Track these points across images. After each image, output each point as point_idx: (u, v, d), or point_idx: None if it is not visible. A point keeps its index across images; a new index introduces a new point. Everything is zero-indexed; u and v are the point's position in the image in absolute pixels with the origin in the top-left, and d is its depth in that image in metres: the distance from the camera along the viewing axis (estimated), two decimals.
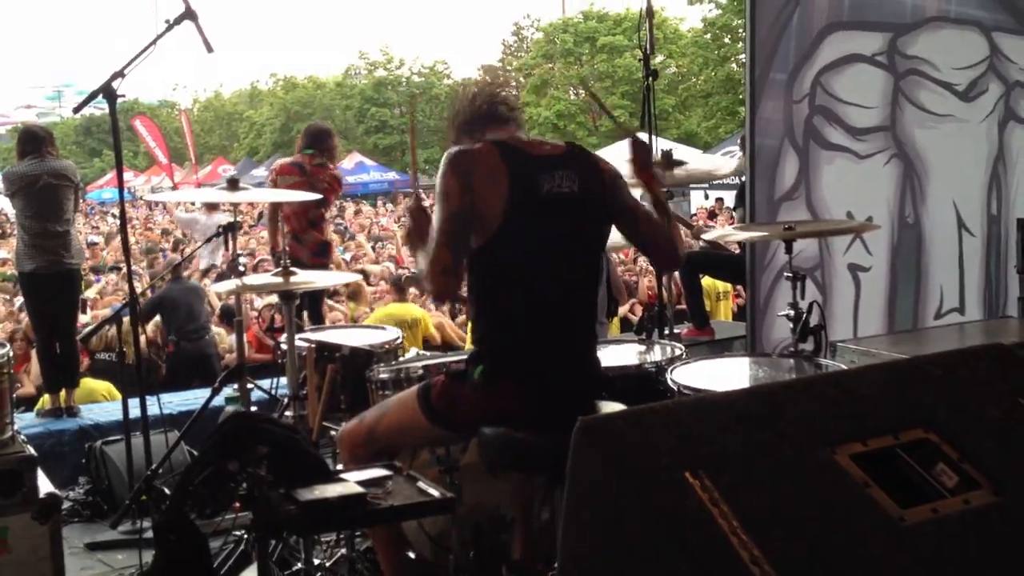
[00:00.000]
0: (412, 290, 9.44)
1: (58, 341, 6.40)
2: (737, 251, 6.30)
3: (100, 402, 6.97)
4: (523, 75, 41.29)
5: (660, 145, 5.80)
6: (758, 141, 5.51)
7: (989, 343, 2.41)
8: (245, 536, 3.90)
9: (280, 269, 4.27)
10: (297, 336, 4.31)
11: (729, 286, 9.86)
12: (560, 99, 38.61)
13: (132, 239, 17.05)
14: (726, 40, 34.36)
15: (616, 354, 4.20)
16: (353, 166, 35.38)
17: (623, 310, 9.47)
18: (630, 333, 6.53)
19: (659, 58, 32.15)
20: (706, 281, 8.30)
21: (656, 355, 4.17)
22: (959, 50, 5.17)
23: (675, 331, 6.08)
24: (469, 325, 3.29)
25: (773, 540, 1.73)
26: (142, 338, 4.74)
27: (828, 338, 3.90)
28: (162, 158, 32.83)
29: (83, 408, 6.44)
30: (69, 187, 6.43)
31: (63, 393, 6.35)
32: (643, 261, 12.10)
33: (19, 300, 9.32)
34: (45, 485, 3.07)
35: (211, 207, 12.61)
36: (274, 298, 7.88)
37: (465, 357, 3.32)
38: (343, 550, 3.96)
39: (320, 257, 6.82)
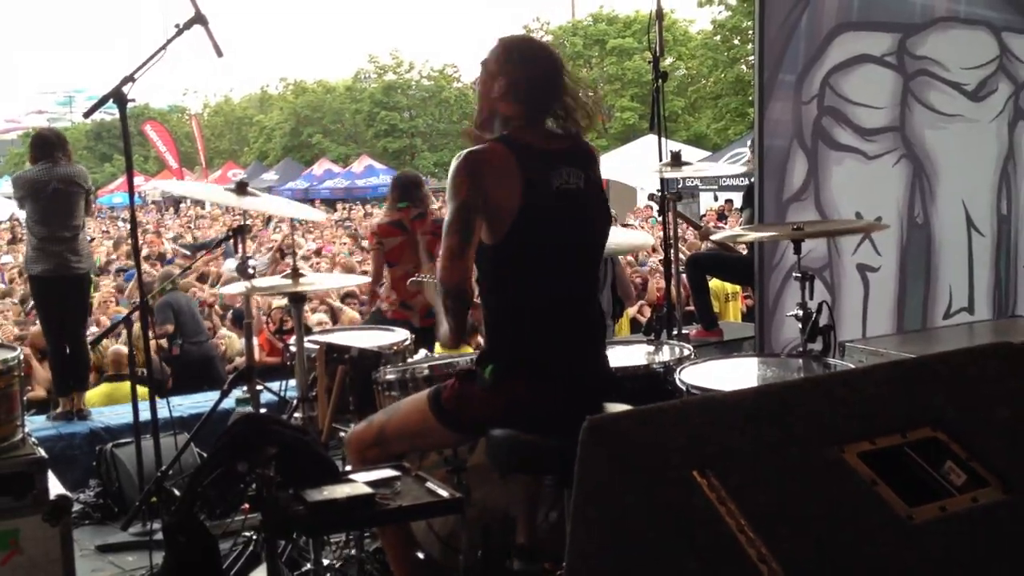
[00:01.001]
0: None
1: (67, 344, 6.41)
2: (745, 252, 6.29)
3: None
4: None
5: (669, 147, 5.81)
6: (767, 142, 5.50)
7: (998, 341, 2.40)
8: (254, 537, 3.91)
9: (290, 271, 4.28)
10: (306, 338, 4.32)
11: (738, 287, 9.86)
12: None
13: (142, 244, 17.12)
14: (735, 42, 34.34)
15: (624, 355, 4.20)
16: (362, 169, 35.49)
17: (632, 311, 9.47)
18: (639, 334, 6.53)
19: (669, 60, 32.17)
20: (715, 282, 8.28)
21: (664, 355, 4.17)
22: (968, 50, 5.17)
23: (684, 332, 6.08)
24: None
25: (780, 538, 1.72)
26: (152, 343, 4.75)
27: (837, 338, 3.89)
28: (172, 163, 32.97)
29: (94, 411, 6.46)
30: (79, 192, 6.44)
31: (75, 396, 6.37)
32: (653, 261, 12.11)
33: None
34: (56, 487, 3.08)
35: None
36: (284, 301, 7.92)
37: (474, 358, 3.32)
38: (352, 551, 3.96)
39: (430, 319, 6.48)
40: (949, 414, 2.09)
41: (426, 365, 3.97)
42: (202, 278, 11.51)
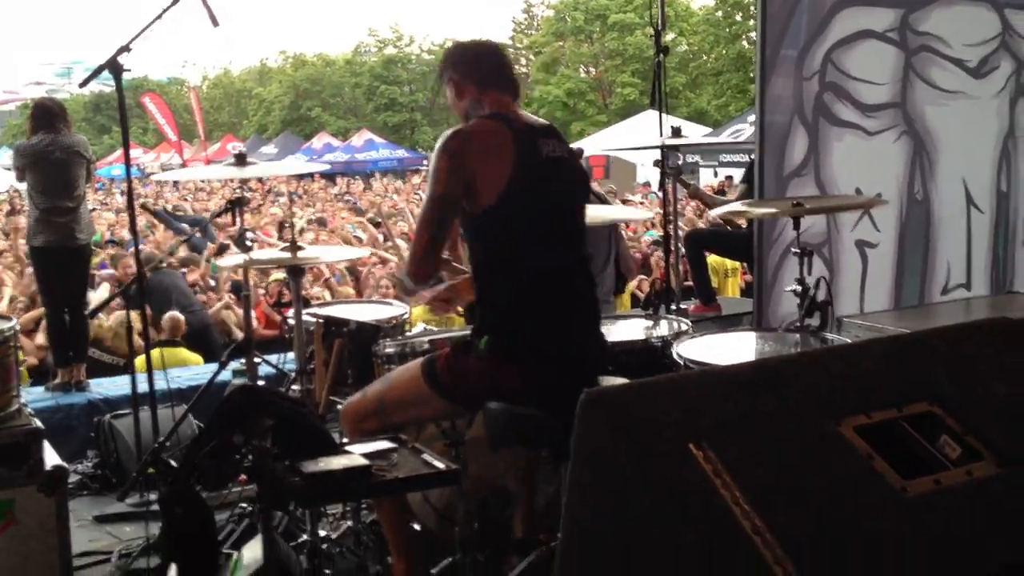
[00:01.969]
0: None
1: (68, 316, 6.41)
2: (745, 227, 6.28)
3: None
4: (533, 53, 41.20)
5: (669, 123, 5.79)
6: (768, 118, 5.48)
7: (994, 316, 2.40)
8: (251, 508, 3.92)
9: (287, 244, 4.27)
10: (304, 311, 4.31)
11: (738, 263, 9.85)
12: (570, 77, 38.50)
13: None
14: (737, 17, 34.24)
15: (622, 329, 4.20)
16: (362, 143, 35.40)
17: (631, 285, 9.46)
18: (638, 309, 6.53)
19: (670, 36, 32.02)
20: (714, 258, 8.29)
21: (662, 330, 4.17)
22: (971, 27, 5.14)
23: (682, 307, 6.08)
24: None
25: (776, 511, 1.73)
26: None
27: (834, 313, 3.89)
28: (171, 135, 32.89)
29: (92, 383, 6.46)
30: (81, 163, 6.41)
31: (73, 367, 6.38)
32: (653, 236, 12.08)
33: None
34: (52, 458, 3.08)
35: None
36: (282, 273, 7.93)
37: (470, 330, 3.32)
38: (349, 522, 3.98)
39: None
40: (945, 389, 2.09)
41: (426, 339, 3.97)
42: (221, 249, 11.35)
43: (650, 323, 4.29)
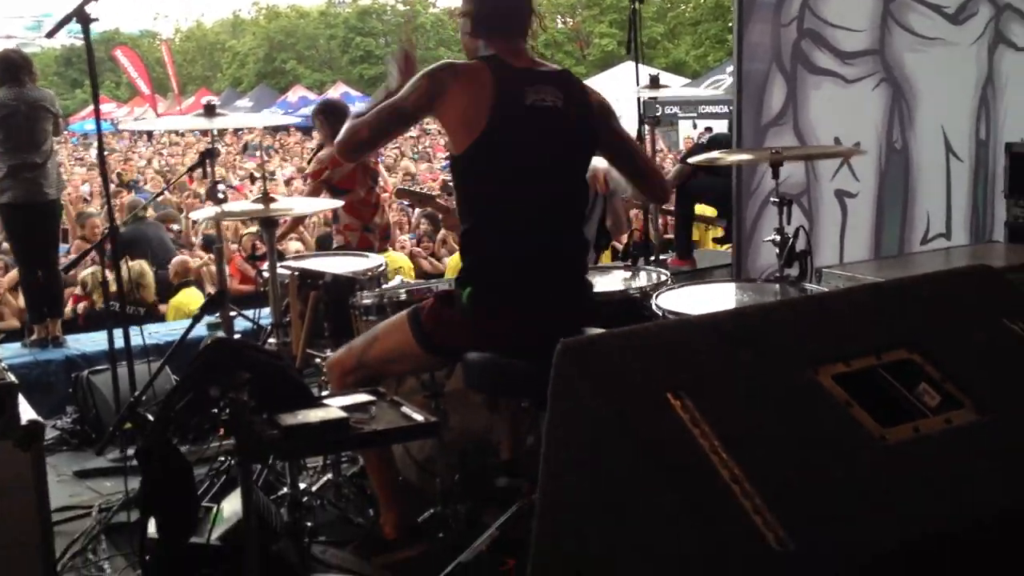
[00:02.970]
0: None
1: (40, 272, 6.34)
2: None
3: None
4: None
5: (648, 73, 5.74)
6: (746, 65, 5.45)
7: (974, 264, 2.40)
8: (230, 462, 3.91)
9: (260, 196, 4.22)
10: (279, 264, 4.27)
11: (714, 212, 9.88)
12: (547, 28, 38.17)
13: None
14: None
15: (601, 280, 4.18)
16: (338, 96, 35.07)
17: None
18: (617, 261, 6.52)
19: None
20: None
21: (641, 281, 4.16)
22: None
23: (661, 259, 6.07)
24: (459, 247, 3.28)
25: (754, 460, 1.73)
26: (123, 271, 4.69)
27: (814, 263, 3.89)
28: (144, 89, 32.45)
29: (70, 339, 6.42)
30: (48, 117, 6.31)
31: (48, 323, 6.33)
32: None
33: None
34: (28, 412, 3.04)
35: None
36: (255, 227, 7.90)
37: (450, 282, 3.31)
38: (329, 475, 3.97)
39: (388, 240, 6.94)
40: (924, 336, 2.09)
41: (403, 289, 3.95)
42: None
43: (629, 274, 4.27)
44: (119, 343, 4.62)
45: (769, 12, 5.33)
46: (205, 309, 4.42)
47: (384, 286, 4.17)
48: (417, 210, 11.10)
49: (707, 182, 6.78)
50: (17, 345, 6.42)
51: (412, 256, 9.48)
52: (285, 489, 3.66)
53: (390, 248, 7.86)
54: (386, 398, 2.77)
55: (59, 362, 6.05)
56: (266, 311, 4.33)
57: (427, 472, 3.69)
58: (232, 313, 4.38)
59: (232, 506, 3.10)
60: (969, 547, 1.76)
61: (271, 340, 4.15)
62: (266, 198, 3.91)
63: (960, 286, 2.31)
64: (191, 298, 7.68)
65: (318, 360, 4.11)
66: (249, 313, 4.73)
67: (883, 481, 1.78)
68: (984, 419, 1.93)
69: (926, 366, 2.02)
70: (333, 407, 2.60)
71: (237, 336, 4.40)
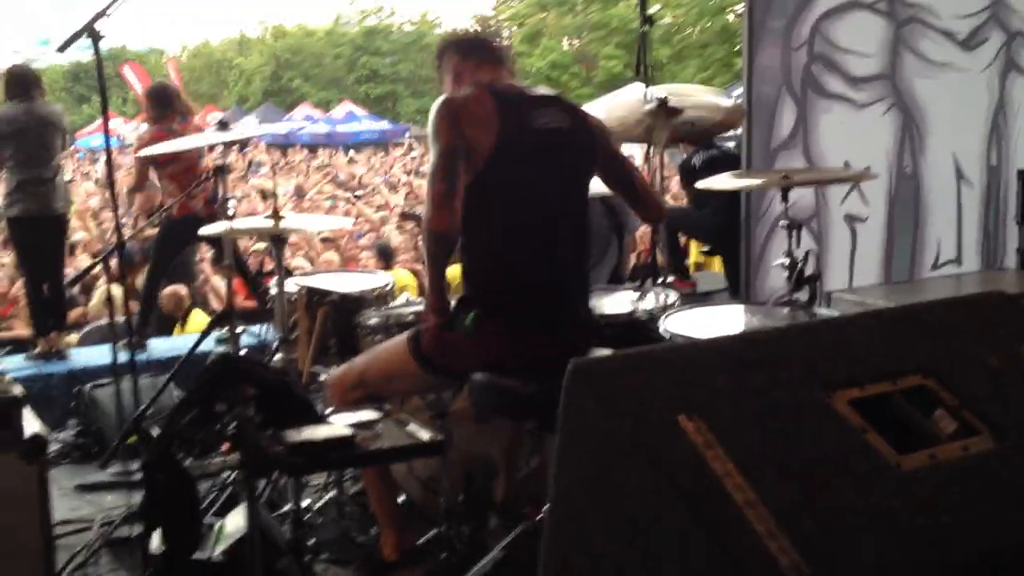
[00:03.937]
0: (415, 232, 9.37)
1: (46, 285, 6.36)
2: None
3: None
4: (516, 24, 40.91)
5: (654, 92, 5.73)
6: (755, 89, 5.45)
7: (989, 290, 2.38)
8: (234, 477, 3.89)
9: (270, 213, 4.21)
10: (287, 280, 4.27)
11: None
12: (553, 49, 38.30)
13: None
14: None
15: (609, 302, 4.17)
16: (344, 115, 35.12)
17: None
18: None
19: (655, 8, 31.86)
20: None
21: (649, 303, 4.14)
22: None
23: (668, 281, 6.05)
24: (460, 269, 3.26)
25: (768, 484, 1.70)
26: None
27: (823, 288, 3.87)
28: None
29: (73, 352, 6.41)
30: (57, 132, 6.38)
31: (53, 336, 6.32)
32: None
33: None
34: (32, 425, 3.04)
35: None
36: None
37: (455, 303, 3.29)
38: (332, 492, 3.95)
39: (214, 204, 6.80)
40: (940, 362, 2.07)
41: (410, 310, 3.94)
42: None
43: (636, 295, 4.26)
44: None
45: (779, 36, 5.34)
46: (213, 325, 4.42)
47: (390, 304, 4.17)
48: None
49: (691, 219, 6.72)
50: (21, 357, 6.41)
51: (417, 274, 9.47)
52: (288, 506, 3.64)
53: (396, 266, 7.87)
54: (391, 416, 2.76)
55: (61, 375, 6.04)
56: (271, 327, 4.33)
57: (431, 491, 3.67)
58: (239, 329, 4.37)
59: (235, 522, 3.09)
60: None
61: (276, 357, 4.14)
62: (275, 215, 3.91)
63: (975, 312, 2.29)
64: (202, 324, 7.57)
65: (323, 378, 4.09)
66: (255, 329, 4.73)
67: (899, 508, 1.75)
68: (1002, 447, 1.90)
69: (942, 392, 2.00)
70: (339, 424, 2.59)
71: (243, 352, 4.39)
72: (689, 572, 1.65)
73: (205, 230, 4.54)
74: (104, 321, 7.36)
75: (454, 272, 3.31)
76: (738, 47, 5.85)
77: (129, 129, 34.66)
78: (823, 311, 3.72)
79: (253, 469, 2.52)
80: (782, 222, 3.76)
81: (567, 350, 2.92)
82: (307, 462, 2.56)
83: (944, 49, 5.11)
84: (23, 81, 6.35)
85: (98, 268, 6.12)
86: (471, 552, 3.30)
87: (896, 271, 5.35)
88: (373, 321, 3.86)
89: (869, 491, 1.78)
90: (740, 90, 5.84)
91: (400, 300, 4.41)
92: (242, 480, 2.61)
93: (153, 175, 7.13)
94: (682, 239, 7.53)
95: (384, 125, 35.95)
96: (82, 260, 9.67)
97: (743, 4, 5.55)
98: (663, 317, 3.68)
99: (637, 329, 3.84)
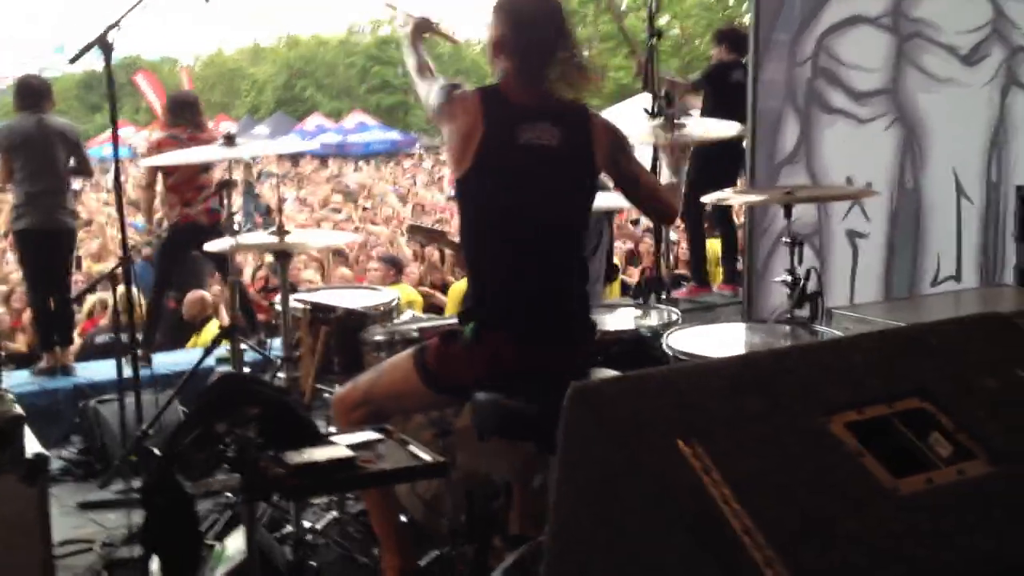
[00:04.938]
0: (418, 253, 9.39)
1: (52, 299, 6.36)
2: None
3: None
4: None
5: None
6: (760, 104, 5.45)
7: (987, 312, 2.38)
8: (234, 499, 3.89)
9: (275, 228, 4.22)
10: (292, 297, 4.27)
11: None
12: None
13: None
14: (730, 2, 34.06)
15: (611, 318, 4.17)
16: (355, 125, 35.16)
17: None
18: (627, 298, 6.50)
19: (664, 19, 31.91)
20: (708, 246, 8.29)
21: (652, 320, 4.14)
22: (963, 13, 5.10)
23: (672, 296, 6.05)
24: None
25: (766, 510, 1.70)
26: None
27: (824, 305, 3.86)
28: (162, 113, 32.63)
29: (78, 366, 6.41)
30: (65, 146, 6.38)
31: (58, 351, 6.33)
32: (644, 222, 12.04)
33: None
34: (33, 445, 3.03)
35: None
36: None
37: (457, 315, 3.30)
38: (334, 513, 3.95)
39: (216, 214, 6.79)
40: (936, 385, 2.06)
41: (415, 327, 3.94)
42: None
43: (639, 312, 4.26)
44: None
45: (784, 51, 5.34)
46: (217, 342, 4.42)
47: (395, 321, 4.17)
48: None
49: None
50: (26, 373, 6.41)
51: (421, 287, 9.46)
52: (289, 527, 3.64)
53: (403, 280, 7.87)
54: (394, 436, 2.75)
55: (67, 391, 6.04)
56: (277, 342, 4.33)
57: (434, 511, 3.66)
58: (243, 347, 4.38)
59: (236, 544, 3.09)
60: None
61: (280, 374, 4.14)
62: (280, 230, 3.92)
63: (973, 334, 2.28)
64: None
65: (327, 396, 4.10)
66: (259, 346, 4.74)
67: (896, 533, 1.75)
68: (998, 471, 1.90)
69: (939, 415, 2.00)
70: (340, 445, 2.59)
71: (246, 369, 4.40)
72: None
73: (210, 246, 4.54)
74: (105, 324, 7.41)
75: (458, 288, 3.32)
76: (746, 60, 5.85)
77: (141, 138, 34.76)
78: (824, 328, 3.71)
79: (253, 492, 2.52)
80: (785, 239, 3.76)
81: (568, 362, 2.94)
82: (307, 485, 2.55)
83: (946, 64, 5.11)
84: (34, 92, 6.37)
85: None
86: (474, 574, 3.29)
87: (896, 287, 5.34)
88: (378, 338, 3.86)
89: (866, 516, 1.78)
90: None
91: (405, 316, 4.42)
92: (242, 502, 2.60)
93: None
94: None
95: (394, 135, 35.99)
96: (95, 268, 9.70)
97: (750, 14, 5.55)
98: (666, 335, 3.68)
99: (640, 347, 3.84)
